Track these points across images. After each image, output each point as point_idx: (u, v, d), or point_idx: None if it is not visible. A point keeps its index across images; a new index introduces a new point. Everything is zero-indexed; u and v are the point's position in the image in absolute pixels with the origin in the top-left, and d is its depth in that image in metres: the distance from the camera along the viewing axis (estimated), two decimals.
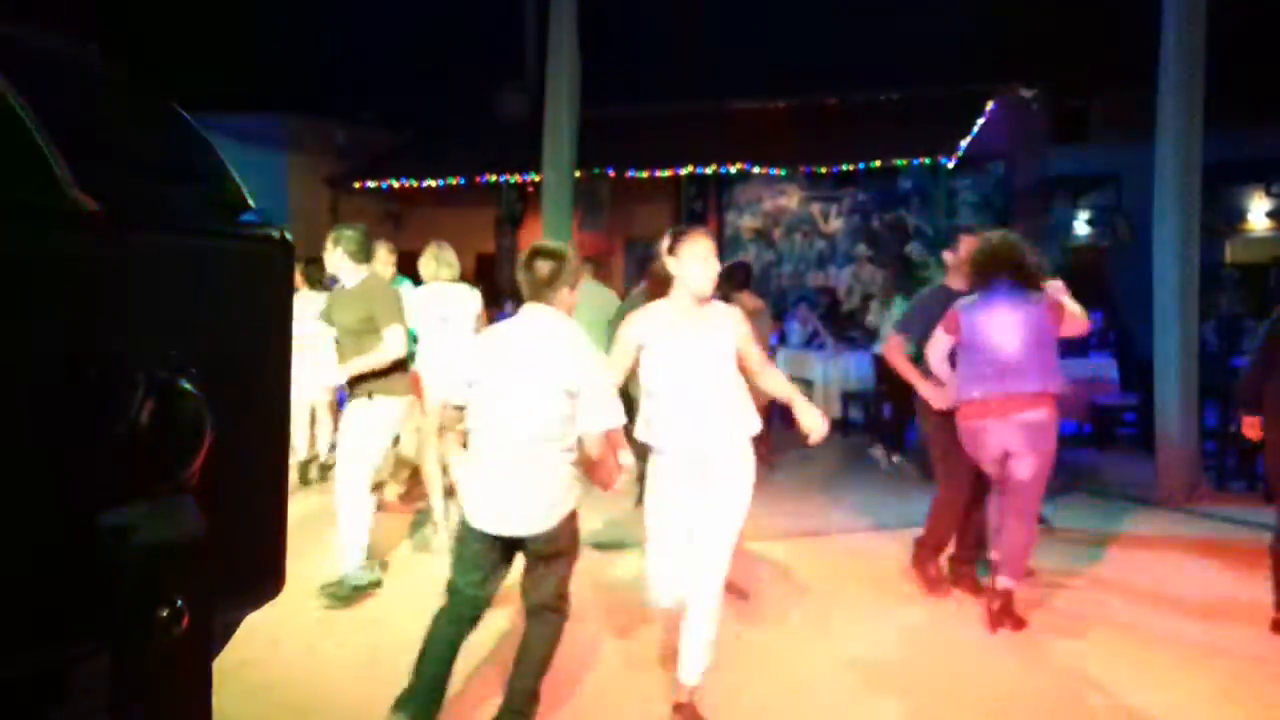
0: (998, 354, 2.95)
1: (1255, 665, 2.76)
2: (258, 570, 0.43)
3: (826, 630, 3.06)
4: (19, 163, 0.35)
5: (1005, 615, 2.97)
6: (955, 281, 3.39)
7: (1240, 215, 7.55)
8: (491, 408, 2.16)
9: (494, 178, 9.31)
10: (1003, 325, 2.96)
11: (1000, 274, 2.98)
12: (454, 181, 9.36)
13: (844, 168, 8.15)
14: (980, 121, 7.63)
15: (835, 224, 9.24)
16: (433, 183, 9.54)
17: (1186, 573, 3.65)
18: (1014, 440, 2.94)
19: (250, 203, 0.44)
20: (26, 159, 0.35)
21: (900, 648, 2.91)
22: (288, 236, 0.46)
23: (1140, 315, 4.93)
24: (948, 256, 3.50)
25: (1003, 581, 2.98)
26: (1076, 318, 2.98)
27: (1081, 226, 8.24)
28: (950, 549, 3.43)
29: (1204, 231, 5.04)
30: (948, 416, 3.18)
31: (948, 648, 2.91)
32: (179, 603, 0.35)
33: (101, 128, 0.40)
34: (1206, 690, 2.60)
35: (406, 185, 9.74)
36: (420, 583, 3.54)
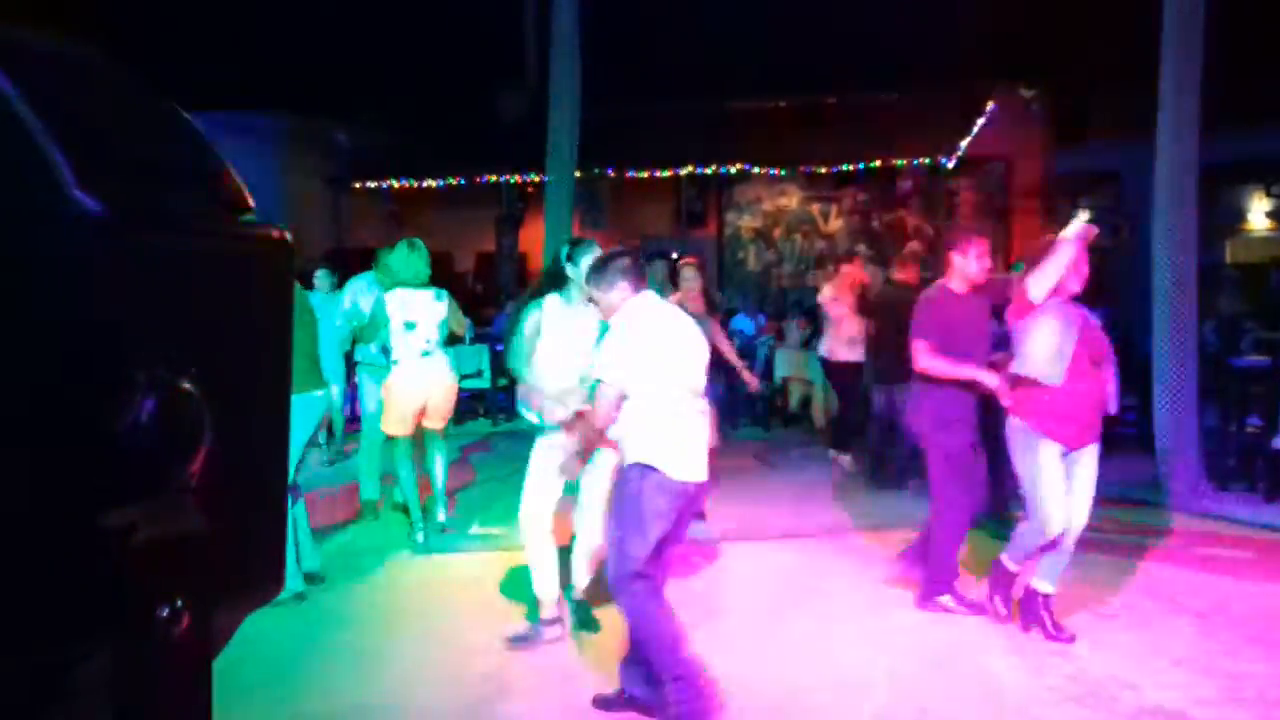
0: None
1: (1258, 665, 2.76)
2: (257, 570, 0.43)
3: (826, 631, 3.05)
4: (20, 164, 0.35)
5: (1026, 611, 2.92)
6: (955, 284, 3.24)
7: (1240, 215, 7.55)
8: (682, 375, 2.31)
9: (494, 177, 9.31)
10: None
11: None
12: (454, 181, 9.36)
13: (844, 168, 8.15)
14: (980, 121, 7.63)
15: (835, 224, 9.24)
16: (433, 182, 9.54)
17: (1186, 573, 3.64)
18: None
19: (250, 203, 0.45)
20: (28, 160, 0.35)
21: (899, 648, 2.90)
22: (288, 237, 0.46)
23: (1141, 315, 4.93)
24: (956, 258, 3.27)
25: (1010, 565, 2.99)
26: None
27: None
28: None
29: (1204, 232, 5.03)
30: (961, 430, 3.11)
31: (947, 648, 2.90)
32: (179, 602, 0.35)
33: (103, 128, 0.40)
34: (1209, 691, 2.60)
35: (406, 185, 9.74)
36: (416, 585, 3.54)
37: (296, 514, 3.24)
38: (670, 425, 2.27)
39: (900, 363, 4.82)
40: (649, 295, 2.38)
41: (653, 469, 2.24)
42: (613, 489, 2.50)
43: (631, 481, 2.26)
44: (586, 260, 2.69)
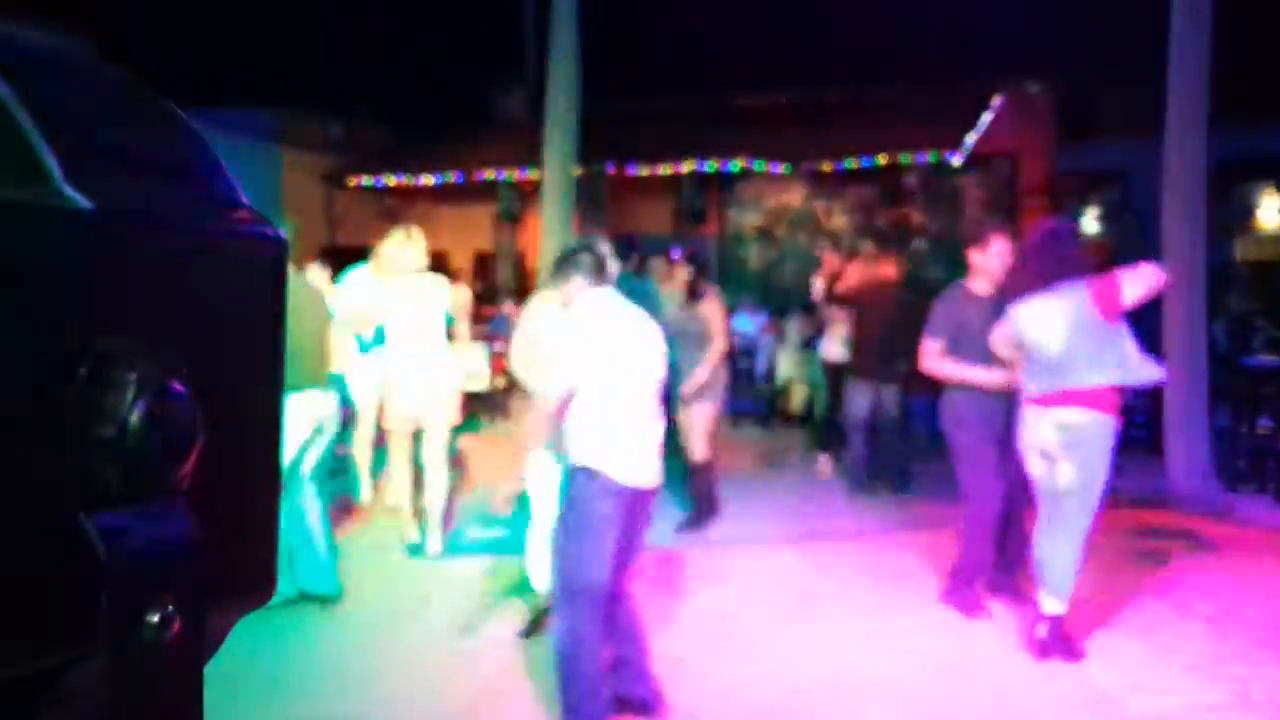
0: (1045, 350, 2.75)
1: (1270, 669, 2.73)
2: (250, 574, 0.41)
3: (829, 635, 3.01)
4: (10, 159, 0.32)
5: (1055, 644, 2.73)
6: (977, 284, 3.13)
7: (1250, 212, 7.50)
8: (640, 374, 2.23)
9: (491, 175, 9.26)
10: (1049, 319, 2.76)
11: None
12: (451, 178, 9.32)
13: (847, 165, 8.10)
14: (987, 117, 7.59)
15: (839, 221, 9.19)
16: (429, 180, 9.49)
17: (1196, 576, 3.60)
18: (1052, 441, 2.76)
19: (244, 200, 0.42)
20: (18, 155, 0.33)
21: (903, 653, 2.86)
22: (282, 234, 0.44)
23: (1149, 314, 4.90)
24: (975, 256, 3.15)
25: (1049, 605, 2.73)
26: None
27: (1090, 224, 8.20)
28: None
29: (1213, 229, 4.99)
30: (979, 428, 3.03)
31: (952, 653, 2.87)
32: (170, 607, 0.33)
33: (94, 124, 0.37)
34: (1219, 695, 2.57)
35: (403, 182, 9.69)
36: (411, 589, 3.50)
37: (306, 521, 3.16)
38: (618, 426, 2.17)
39: (884, 361, 4.84)
40: (607, 291, 2.29)
41: (597, 472, 2.16)
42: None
43: (576, 486, 2.17)
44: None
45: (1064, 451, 2.74)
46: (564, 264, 2.32)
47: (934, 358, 3.11)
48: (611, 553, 2.17)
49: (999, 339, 2.92)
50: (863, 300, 4.99)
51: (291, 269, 3.22)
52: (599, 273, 2.28)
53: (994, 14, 7.80)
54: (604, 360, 2.18)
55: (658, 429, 2.28)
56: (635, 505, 2.21)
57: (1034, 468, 2.82)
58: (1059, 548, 2.76)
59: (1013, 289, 2.86)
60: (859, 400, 4.92)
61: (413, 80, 10.28)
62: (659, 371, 2.28)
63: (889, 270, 5.12)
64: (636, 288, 3.53)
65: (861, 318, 4.94)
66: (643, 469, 2.21)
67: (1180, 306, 4.74)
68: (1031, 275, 2.80)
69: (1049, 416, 2.75)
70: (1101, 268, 2.92)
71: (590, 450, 2.18)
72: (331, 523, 3.40)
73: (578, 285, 2.28)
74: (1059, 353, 2.73)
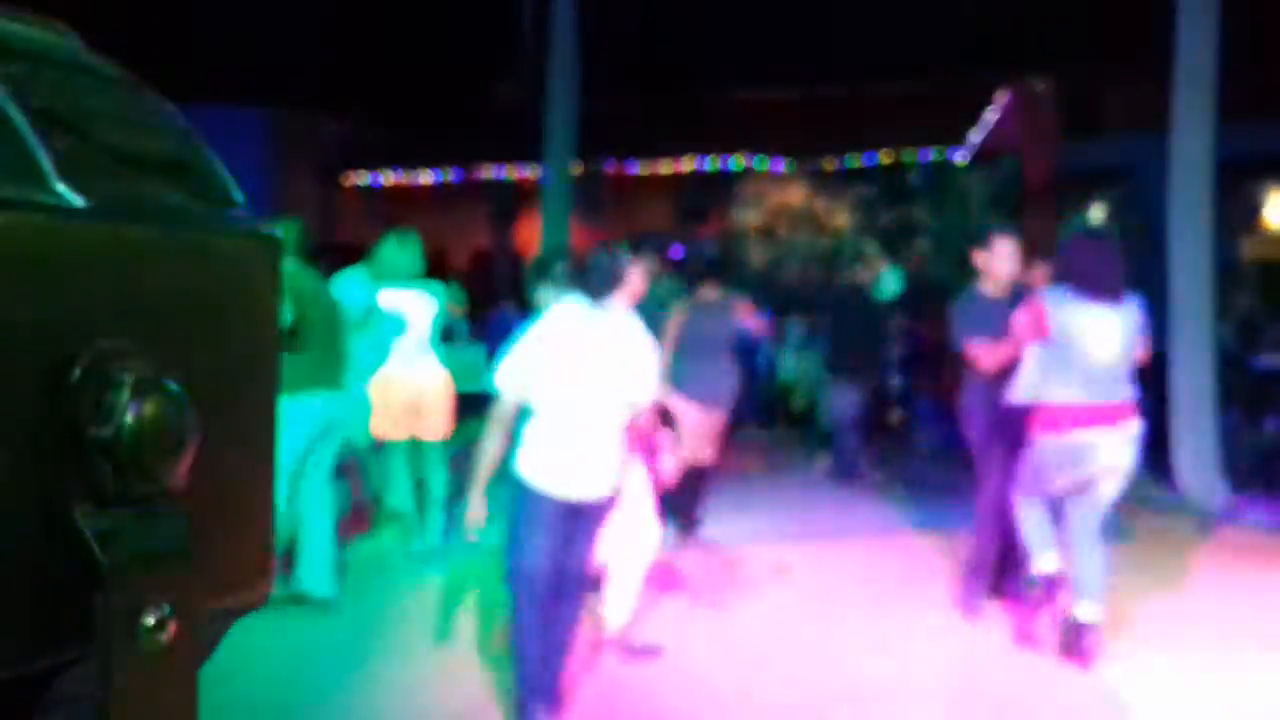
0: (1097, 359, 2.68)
1: (1276, 673, 2.72)
2: (245, 577, 0.41)
3: (834, 638, 2.99)
4: (3, 156, 0.32)
5: (1078, 649, 2.70)
6: (987, 287, 3.07)
7: (1258, 211, 7.45)
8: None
9: (489, 173, 9.26)
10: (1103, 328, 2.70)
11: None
12: (449, 177, 9.33)
13: (849, 162, 8.08)
14: (990, 114, 7.56)
15: (841, 220, 9.16)
16: (427, 178, 9.50)
17: (1202, 579, 3.59)
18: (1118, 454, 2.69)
19: (238, 198, 0.42)
20: (11, 152, 0.33)
21: (907, 653, 2.85)
22: (276, 233, 0.44)
23: (1156, 313, 4.87)
24: (981, 258, 3.08)
25: (1088, 613, 2.71)
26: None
27: (1095, 221, 8.15)
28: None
29: (1221, 228, 4.96)
30: (990, 425, 3.00)
31: (957, 654, 2.86)
32: (166, 609, 0.32)
33: (89, 121, 0.37)
34: (1226, 699, 2.57)
35: (401, 180, 9.70)
36: (410, 592, 3.49)
37: (310, 523, 3.13)
38: (559, 440, 2.17)
39: (868, 362, 4.91)
40: (575, 301, 2.26)
41: (527, 482, 2.19)
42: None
43: (515, 488, 2.22)
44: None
45: (1128, 462, 2.73)
46: (535, 272, 2.37)
47: (987, 355, 3.01)
48: (547, 549, 2.19)
49: (1029, 332, 2.79)
50: (839, 303, 5.19)
51: (300, 267, 3.24)
52: (570, 283, 2.27)
53: (998, 9, 7.76)
54: (554, 372, 2.17)
55: (614, 446, 2.25)
56: (572, 515, 2.21)
57: (1087, 487, 2.74)
58: (1096, 555, 2.76)
59: (1085, 290, 2.74)
60: (842, 400, 4.99)
61: (410, 78, 10.27)
62: (629, 388, 2.25)
63: (866, 275, 5.43)
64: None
65: (842, 320, 5.10)
66: (580, 484, 2.21)
67: (1187, 306, 4.71)
68: (1093, 280, 2.73)
69: (1128, 430, 2.71)
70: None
71: (525, 459, 2.21)
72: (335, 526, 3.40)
73: (543, 295, 2.32)
74: (1119, 362, 2.70)
